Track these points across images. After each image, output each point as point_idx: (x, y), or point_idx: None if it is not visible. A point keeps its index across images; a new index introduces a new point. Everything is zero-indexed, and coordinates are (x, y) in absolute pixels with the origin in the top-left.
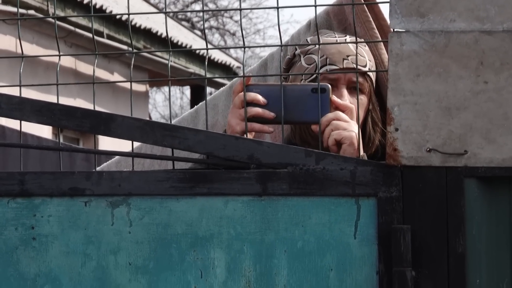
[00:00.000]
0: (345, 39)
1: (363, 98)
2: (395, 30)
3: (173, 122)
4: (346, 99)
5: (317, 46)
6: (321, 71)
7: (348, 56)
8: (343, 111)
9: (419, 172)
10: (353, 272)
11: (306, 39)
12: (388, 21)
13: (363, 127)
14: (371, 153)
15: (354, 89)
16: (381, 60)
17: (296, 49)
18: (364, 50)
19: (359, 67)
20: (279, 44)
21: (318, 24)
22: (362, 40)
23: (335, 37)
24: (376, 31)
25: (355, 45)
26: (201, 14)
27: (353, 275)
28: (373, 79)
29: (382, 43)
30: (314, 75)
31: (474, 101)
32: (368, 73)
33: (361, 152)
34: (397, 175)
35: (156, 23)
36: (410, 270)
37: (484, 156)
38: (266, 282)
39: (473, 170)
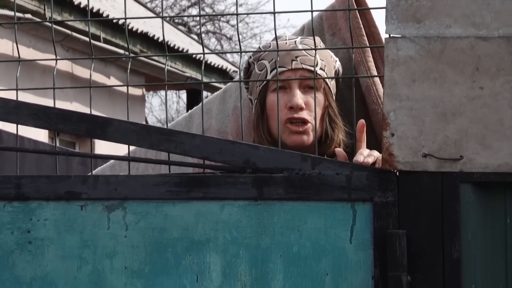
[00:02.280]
0: (294, 42)
1: (318, 96)
2: (391, 35)
3: (167, 126)
4: (298, 97)
5: (267, 52)
6: (272, 74)
7: (296, 57)
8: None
9: (414, 177)
10: (349, 276)
11: (259, 47)
12: (380, 28)
13: (323, 122)
14: (331, 152)
15: (308, 88)
16: (367, 67)
17: (250, 57)
18: (319, 51)
19: (309, 67)
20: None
21: (313, 28)
22: (357, 43)
23: (285, 40)
24: (365, 38)
25: (304, 46)
26: (197, 18)
27: (349, 279)
28: (330, 77)
29: (369, 50)
30: (265, 81)
31: (470, 107)
32: (320, 71)
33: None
34: (392, 180)
35: (153, 27)
36: (406, 275)
37: (479, 161)
38: (262, 286)
39: (469, 175)
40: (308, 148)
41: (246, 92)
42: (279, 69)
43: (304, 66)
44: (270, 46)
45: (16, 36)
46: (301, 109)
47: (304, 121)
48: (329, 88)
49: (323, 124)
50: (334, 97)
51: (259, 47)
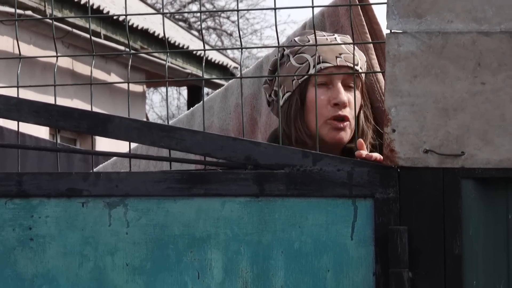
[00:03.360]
0: (335, 38)
1: (357, 94)
2: (392, 31)
3: (169, 123)
4: (343, 94)
5: (306, 46)
6: (315, 69)
7: (340, 54)
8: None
9: (416, 173)
10: (350, 273)
11: (294, 39)
12: (382, 25)
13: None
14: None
15: (348, 86)
16: (370, 64)
17: (284, 50)
18: (356, 51)
19: (351, 64)
20: (276, 45)
21: (314, 25)
22: (359, 41)
23: (324, 36)
24: (368, 35)
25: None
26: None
27: (350, 276)
28: (363, 77)
29: (372, 48)
30: (309, 72)
31: (471, 102)
32: (360, 70)
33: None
34: (394, 176)
35: (154, 24)
36: (407, 271)
37: (481, 157)
38: (263, 283)
39: (470, 171)
40: (343, 145)
41: (263, 86)
42: (324, 65)
43: (348, 64)
44: (309, 41)
45: (17, 33)
46: (344, 106)
47: (345, 118)
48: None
49: (360, 123)
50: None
51: (294, 39)
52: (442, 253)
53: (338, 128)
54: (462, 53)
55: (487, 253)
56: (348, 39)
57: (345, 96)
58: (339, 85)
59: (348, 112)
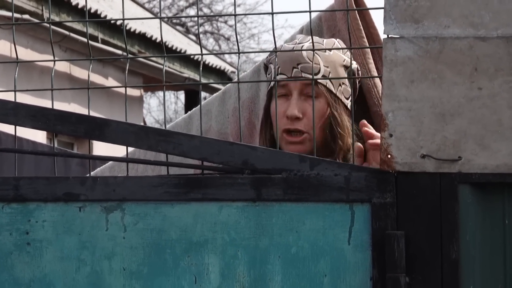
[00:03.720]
0: (301, 46)
1: (319, 104)
2: (389, 36)
3: (166, 127)
4: (294, 107)
5: (273, 55)
6: (273, 82)
7: (298, 64)
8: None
9: (413, 178)
10: (347, 278)
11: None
12: (379, 30)
13: (323, 131)
14: (344, 158)
15: (309, 96)
16: (368, 69)
17: (275, 55)
18: (322, 56)
19: (309, 75)
20: (273, 49)
21: (311, 29)
22: (356, 45)
23: (296, 42)
24: (366, 39)
25: (309, 52)
26: (195, 19)
27: (347, 281)
28: (338, 81)
29: (370, 52)
30: (269, 86)
31: (468, 107)
32: (324, 76)
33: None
34: (391, 181)
35: (151, 28)
36: (404, 276)
37: (478, 162)
38: (260, 287)
39: (467, 176)
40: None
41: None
42: (280, 76)
43: (303, 75)
44: (281, 48)
45: (14, 37)
46: (297, 119)
47: (300, 131)
48: (334, 95)
49: (323, 133)
50: (350, 99)
51: (275, 50)
52: (439, 258)
53: (293, 142)
54: (459, 58)
55: (484, 258)
56: (321, 45)
57: (297, 108)
58: (294, 97)
59: (304, 124)
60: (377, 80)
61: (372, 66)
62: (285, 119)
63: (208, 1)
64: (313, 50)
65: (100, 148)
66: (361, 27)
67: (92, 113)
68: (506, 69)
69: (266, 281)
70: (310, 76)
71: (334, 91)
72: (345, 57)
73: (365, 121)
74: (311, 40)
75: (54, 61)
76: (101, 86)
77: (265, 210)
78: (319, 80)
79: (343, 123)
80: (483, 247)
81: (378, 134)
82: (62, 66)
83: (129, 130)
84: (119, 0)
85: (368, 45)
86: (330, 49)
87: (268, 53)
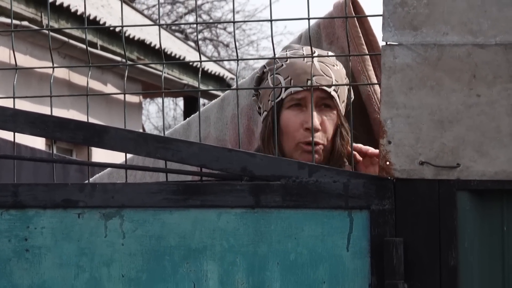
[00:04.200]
0: (327, 54)
1: (332, 115)
2: (388, 43)
3: (165, 134)
4: (316, 119)
5: (284, 66)
6: (287, 92)
7: (313, 76)
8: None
9: (411, 185)
10: (346, 284)
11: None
12: (378, 37)
13: (334, 141)
14: (340, 165)
15: (323, 107)
16: (368, 76)
17: (265, 67)
18: (332, 70)
19: (326, 87)
20: (272, 56)
21: (310, 36)
22: (355, 52)
23: (303, 53)
24: (365, 47)
25: (321, 64)
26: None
27: (346, 287)
28: (343, 95)
29: (369, 59)
30: (280, 97)
31: (467, 114)
32: (334, 90)
33: None
34: (389, 187)
35: (150, 34)
36: (403, 283)
37: (476, 169)
38: None
39: (466, 183)
40: None
41: (252, 98)
42: (295, 89)
43: (321, 86)
44: (286, 61)
45: (13, 44)
46: (316, 131)
47: (316, 143)
48: (342, 107)
49: (335, 143)
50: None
51: (274, 57)
52: (437, 265)
53: (309, 151)
54: (458, 65)
55: (482, 264)
56: (328, 59)
57: (317, 119)
58: (310, 108)
59: (321, 136)
60: (377, 87)
61: (372, 73)
62: (302, 130)
63: (207, 8)
64: (311, 57)
65: (100, 154)
66: (360, 34)
67: (91, 120)
68: (504, 76)
69: (265, 287)
70: (327, 88)
71: (340, 106)
72: (343, 73)
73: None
74: (316, 53)
75: (53, 67)
76: (100, 92)
77: (263, 216)
78: (332, 93)
79: (347, 134)
80: (481, 253)
81: (371, 148)
82: (61, 73)
83: (128, 137)
84: (118, 7)
85: (367, 52)
86: (329, 56)
87: (267, 60)
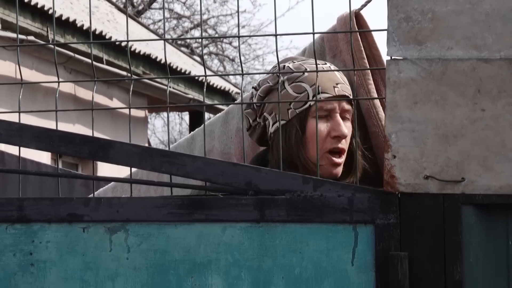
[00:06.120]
0: (329, 66)
1: (349, 125)
2: (392, 57)
3: (169, 148)
4: (343, 126)
5: (306, 74)
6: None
7: (337, 83)
8: None
9: (416, 199)
10: None
11: (289, 67)
12: (381, 51)
13: (350, 152)
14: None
15: (346, 116)
16: (368, 90)
17: (279, 76)
18: (345, 80)
19: (348, 94)
20: (277, 71)
21: (314, 50)
22: (357, 66)
23: (319, 64)
24: (366, 61)
25: (341, 73)
26: (200, 40)
27: None
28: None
29: (369, 73)
30: (307, 104)
31: (472, 129)
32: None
33: None
34: (394, 202)
35: (156, 49)
36: None
37: (481, 183)
38: None
39: (471, 197)
40: (337, 179)
41: (246, 111)
42: (323, 95)
43: (345, 93)
44: (306, 70)
45: (19, 58)
46: (344, 138)
47: (342, 152)
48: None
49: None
50: None
51: (289, 66)
52: (442, 279)
53: (335, 164)
54: (462, 79)
55: (487, 279)
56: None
57: (345, 128)
58: (338, 116)
59: (344, 144)
60: (376, 101)
61: (372, 87)
62: (329, 139)
63: (213, 23)
64: (316, 71)
65: (105, 168)
66: (362, 48)
67: (97, 134)
68: (509, 91)
69: None
70: (350, 96)
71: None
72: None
73: None
74: (327, 64)
75: (59, 82)
76: (106, 107)
77: (268, 231)
78: (351, 102)
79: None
80: (486, 268)
81: None
82: (67, 87)
83: (133, 151)
84: (124, 21)
85: (368, 66)
86: (336, 70)
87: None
